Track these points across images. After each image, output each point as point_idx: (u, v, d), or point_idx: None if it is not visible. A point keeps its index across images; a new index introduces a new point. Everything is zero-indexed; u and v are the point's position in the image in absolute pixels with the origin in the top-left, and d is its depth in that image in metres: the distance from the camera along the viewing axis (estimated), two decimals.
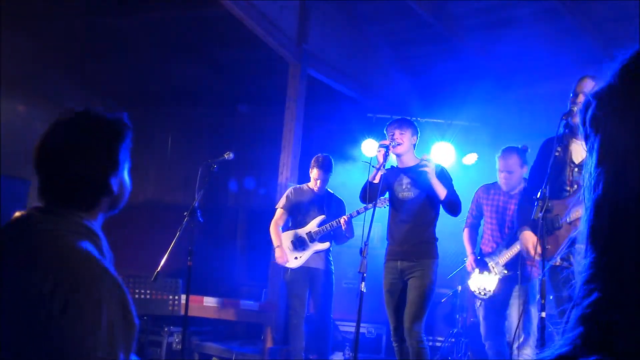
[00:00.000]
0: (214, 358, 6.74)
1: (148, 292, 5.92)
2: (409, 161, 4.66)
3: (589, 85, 3.49)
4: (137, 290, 5.90)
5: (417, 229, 4.52)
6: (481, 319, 5.00)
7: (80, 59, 8.76)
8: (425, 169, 4.44)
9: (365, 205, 5.05)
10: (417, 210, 4.51)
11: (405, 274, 4.51)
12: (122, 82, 9.62)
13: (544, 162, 3.58)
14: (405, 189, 4.59)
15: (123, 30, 8.10)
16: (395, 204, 4.65)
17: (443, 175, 4.57)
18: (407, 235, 4.52)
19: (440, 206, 4.57)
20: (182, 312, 4.96)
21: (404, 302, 4.48)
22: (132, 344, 1.46)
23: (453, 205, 4.48)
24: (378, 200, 4.49)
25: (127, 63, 9.04)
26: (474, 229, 5.14)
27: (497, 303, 4.88)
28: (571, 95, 3.53)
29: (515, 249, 4.67)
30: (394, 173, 4.70)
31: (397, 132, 4.56)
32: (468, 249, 5.09)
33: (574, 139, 3.57)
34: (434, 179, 4.43)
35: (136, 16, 7.75)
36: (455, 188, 4.59)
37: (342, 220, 5.37)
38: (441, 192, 4.43)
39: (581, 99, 3.46)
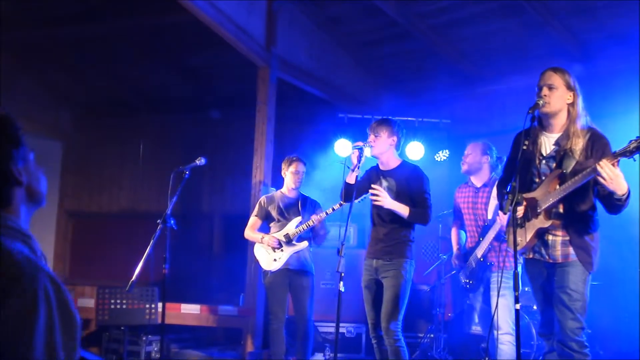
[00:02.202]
0: None
1: (124, 302, 5.87)
2: (389, 162, 4.69)
3: (551, 78, 3.53)
4: (112, 301, 5.84)
5: (393, 230, 4.57)
6: (477, 310, 5.11)
7: (49, 69, 8.66)
8: (377, 202, 4.47)
9: (339, 203, 5.09)
10: (393, 212, 4.54)
11: (379, 272, 4.57)
12: (91, 91, 9.53)
13: (515, 156, 3.63)
14: None
15: (91, 38, 8.03)
16: (375, 205, 4.69)
17: (416, 177, 4.62)
18: (384, 236, 4.58)
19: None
20: (160, 321, 4.92)
21: (381, 300, 4.53)
22: (76, 343, 1.42)
23: (417, 221, 4.58)
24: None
25: (96, 71, 8.95)
26: (460, 228, 5.21)
27: (482, 293, 4.95)
28: (537, 89, 3.58)
29: (488, 237, 4.75)
30: (375, 174, 4.73)
31: (371, 136, 4.61)
32: (454, 244, 5.17)
33: (543, 132, 3.62)
34: (392, 207, 4.48)
35: (104, 24, 7.68)
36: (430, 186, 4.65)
37: (317, 218, 5.37)
38: (403, 213, 4.50)
39: (545, 92, 3.50)
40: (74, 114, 10.10)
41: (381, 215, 4.61)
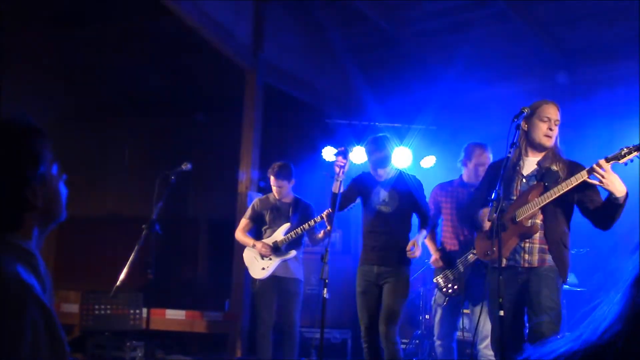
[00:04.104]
0: None
1: (108, 307, 5.83)
2: (387, 173, 4.74)
3: (558, 114, 3.60)
4: (97, 306, 5.81)
5: (394, 237, 4.63)
6: (438, 317, 5.05)
7: (34, 71, 8.59)
8: (413, 256, 4.58)
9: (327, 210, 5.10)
10: (394, 221, 4.64)
11: (381, 278, 4.62)
12: (76, 94, 9.47)
13: (489, 184, 3.73)
14: (383, 203, 4.70)
15: (77, 41, 7.98)
16: (371, 213, 4.73)
17: (417, 186, 4.73)
18: (385, 244, 4.64)
19: (413, 214, 4.77)
20: (144, 326, 4.89)
21: (378, 304, 4.59)
22: None
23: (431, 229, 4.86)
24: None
25: (82, 74, 8.91)
26: (434, 228, 5.17)
27: (456, 301, 4.94)
28: (544, 118, 3.59)
29: (463, 260, 4.77)
30: (370, 183, 4.77)
31: (379, 170, 4.72)
32: (432, 247, 5.08)
33: (523, 156, 3.66)
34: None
35: (90, 27, 7.65)
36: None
37: (306, 226, 5.36)
38: (425, 238, 4.79)
39: (553, 126, 3.55)
40: (59, 117, 10.03)
41: (382, 222, 4.65)
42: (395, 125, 7.35)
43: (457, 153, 5.27)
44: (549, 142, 3.59)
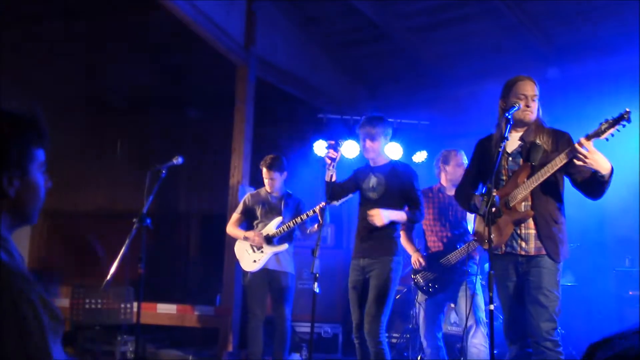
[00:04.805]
0: None
1: (99, 301, 5.81)
2: (379, 159, 4.70)
3: (534, 89, 3.57)
4: (87, 300, 5.79)
5: (379, 227, 4.48)
6: (421, 317, 5.07)
7: (26, 65, 8.54)
8: (376, 223, 4.42)
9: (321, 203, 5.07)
10: (380, 208, 4.51)
11: (366, 270, 4.53)
12: (69, 88, 9.43)
13: (478, 161, 3.76)
14: (371, 189, 4.63)
15: (69, 34, 7.94)
16: (363, 202, 4.69)
17: (407, 174, 4.61)
18: (370, 234, 4.53)
19: (406, 206, 4.64)
20: (135, 320, 4.88)
21: (367, 299, 4.51)
22: (59, 338, 1.39)
23: (414, 221, 4.62)
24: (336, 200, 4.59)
25: (75, 68, 8.86)
26: (409, 230, 5.15)
27: (439, 299, 4.97)
28: (521, 96, 3.57)
29: (466, 247, 4.78)
30: (364, 172, 4.73)
31: (368, 142, 4.61)
32: (410, 247, 5.07)
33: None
34: (390, 219, 4.45)
35: (83, 20, 7.60)
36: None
37: (298, 219, 5.37)
38: (401, 219, 4.53)
39: (530, 102, 3.54)
40: (50, 111, 9.96)
41: (369, 209, 4.54)
42: (388, 120, 7.33)
43: (449, 148, 5.31)
44: (528, 118, 3.56)
